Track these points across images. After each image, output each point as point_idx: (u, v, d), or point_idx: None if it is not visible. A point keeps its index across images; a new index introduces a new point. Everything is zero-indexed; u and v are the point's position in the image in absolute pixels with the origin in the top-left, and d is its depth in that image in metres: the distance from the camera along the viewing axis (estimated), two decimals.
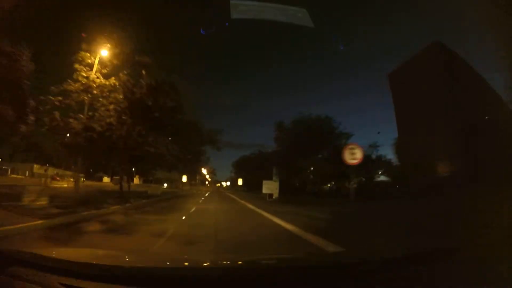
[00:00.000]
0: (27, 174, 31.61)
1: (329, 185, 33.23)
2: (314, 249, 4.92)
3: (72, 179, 34.79)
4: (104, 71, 11.10)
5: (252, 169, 44.86)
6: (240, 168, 54.28)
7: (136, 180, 50.79)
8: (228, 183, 75.00)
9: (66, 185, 24.57)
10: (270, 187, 20.60)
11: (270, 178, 21.85)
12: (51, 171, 34.80)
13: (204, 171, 63.00)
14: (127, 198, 12.81)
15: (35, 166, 32.17)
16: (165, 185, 47.46)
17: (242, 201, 18.91)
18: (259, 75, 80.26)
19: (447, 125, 16.51)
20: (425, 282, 1.40)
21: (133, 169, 48.34)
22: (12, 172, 32.07)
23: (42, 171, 33.40)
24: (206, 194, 31.41)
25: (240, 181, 48.10)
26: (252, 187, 43.06)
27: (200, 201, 18.54)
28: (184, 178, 43.45)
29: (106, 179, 43.32)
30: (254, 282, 1.31)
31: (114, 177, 40.39)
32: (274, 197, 19.83)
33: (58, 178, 30.54)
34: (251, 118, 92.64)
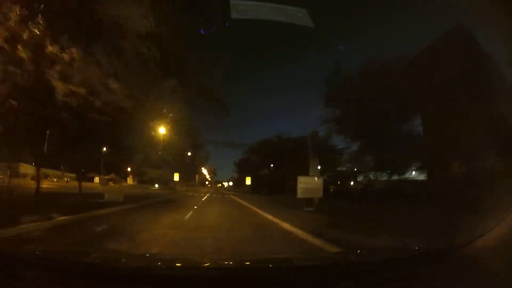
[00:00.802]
0: (8, 174, 31.16)
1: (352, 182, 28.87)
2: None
3: (55, 179, 34.42)
4: None
5: (260, 166, 39.80)
6: (242, 167, 50.00)
7: (129, 181, 48.79)
8: (231, 183, 71.48)
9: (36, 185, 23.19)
10: (309, 187, 13.71)
11: (292, 176, 15.96)
12: (32, 170, 34.40)
13: (204, 171, 61.16)
14: (34, 211, 7.46)
15: (20, 165, 31.86)
16: (156, 185, 43.13)
17: (269, 216, 10.67)
18: (259, 75, 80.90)
19: (471, 116, 14.25)
20: (425, 282, 1.46)
21: (129, 169, 44.56)
22: None
23: (28, 171, 33.13)
24: (204, 198, 23.60)
25: (248, 180, 39.14)
26: (259, 189, 37.38)
27: (187, 216, 10.04)
28: (176, 177, 36.09)
29: (97, 180, 42.62)
30: (254, 283, 1.37)
31: (101, 177, 39.73)
32: (311, 206, 13.21)
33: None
34: (251, 118, 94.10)
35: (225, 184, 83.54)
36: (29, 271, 1.41)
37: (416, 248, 2.02)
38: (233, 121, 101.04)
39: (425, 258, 1.71)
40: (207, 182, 77.01)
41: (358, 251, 2.81)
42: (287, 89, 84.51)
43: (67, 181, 34.99)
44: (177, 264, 1.76)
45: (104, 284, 1.32)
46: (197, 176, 58.58)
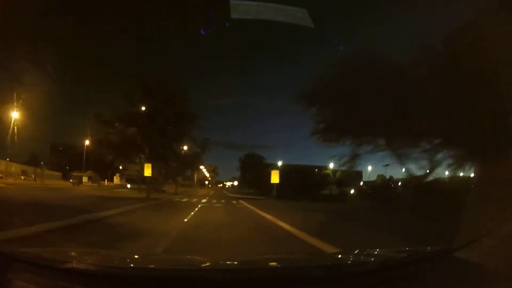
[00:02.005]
0: None
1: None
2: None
3: (23, 177, 33.58)
4: None
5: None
6: (247, 164, 45.52)
7: (116, 180, 44.84)
8: (235, 183, 67.68)
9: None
10: None
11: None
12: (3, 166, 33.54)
13: (204, 170, 57.10)
14: None
15: None
16: (129, 186, 34.81)
17: None
18: (259, 75, 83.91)
19: None
20: (425, 282, 1.56)
21: (121, 167, 33.19)
22: None
23: (1, 167, 32.26)
24: (193, 213, 12.98)
25: (275, 177, 26.60)
26: (266, 189, 31.17)
27: None
28: (147, 170, 22.12)
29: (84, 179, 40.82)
30: (252, 283, 1.44)
31: (73, 173, 38.34)
32: None
33: (1, 175, 30.25)
34: (251, 118, 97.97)
35: (228, 184, 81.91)
36: (30, 271, 1.49)
37: (415, 249, 2.17)
38: (233, 122, 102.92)
39: (425, 258, 1.84)
40: (206, 182, 75.32)
41: (356, 251, 3.19)
42: (287, 89, 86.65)
43: (34, 179, 33.95)
44: (183, 266, 1.85)
45: (108, 285, 1.40)
46: (195, 176, 54.24)
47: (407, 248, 2.17)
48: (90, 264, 1.59)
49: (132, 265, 1.80)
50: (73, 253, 2.00)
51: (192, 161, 31.56)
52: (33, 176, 36.24)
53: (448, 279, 1.59)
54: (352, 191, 29.07)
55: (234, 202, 22.50)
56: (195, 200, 22.25)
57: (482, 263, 1.66)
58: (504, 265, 1.59)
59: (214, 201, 22.65)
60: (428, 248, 1.95)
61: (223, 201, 23.40)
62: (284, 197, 25.27)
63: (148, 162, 21.64)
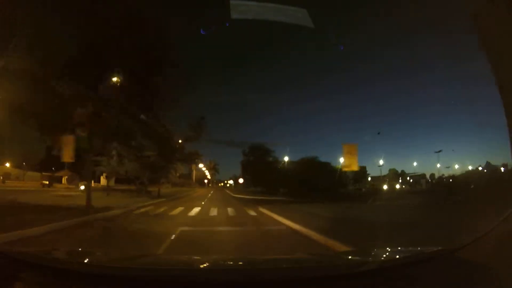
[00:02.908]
0: None
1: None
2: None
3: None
4: None
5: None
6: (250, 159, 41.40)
7: (103, 181, 36.87)
8: (241, 181, 63.26)
9: None
10: None
11: None
12: None
13: (202, 167, 53.37)
14: None
15: None
16: (82, 187, 24.33)
17: None
18: (260, 74, 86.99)
19: None
20: (425, 282, 1.61)
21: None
22: None
23: None
24: None
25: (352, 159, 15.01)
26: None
27: None
28: (68, 152, 11.49)
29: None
30: (253, 284, 1.48)
31: (43, 173, 36.79)
32: None
33: None
34: (252, 116, 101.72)
35: (230, 182, 79.02)
36: (30, 272, 1.51)
37: (415, 249, 2.22)
38: (234, 120, 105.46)
39: (425, 258, 1.88)
40: (206, 181, 73.78)
41: (356, 251, 3.04)
42: (287, 88, 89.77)
43: (3, 181, 32.79)
44: (188, 267, 1.87)
45: (104, 285, 1.43)
46: (194, 173, 52.10)
47: (407, 248, 2.23)
48: (90, 264, 1.65)
49: (132, 265, 1.83)
50: (73, 253, 2.06)
51: (182, 151, 22.17)
52: (1, 177, 34.86)
53: (448, 279, 1.64)
54: (397, 186, 26.67)
55: (252, 213, 12.99)
56: (180, 209, 13.96)
57: (482, 263, 1.70)
58: (505, 265, 1.63)
59: (214, 211, 13.35)
60: (428, 248, 1.99)
61: (229, 210, 14.20)
62: (299, 197, 19.87)
63: (95, 138, 12.03)
